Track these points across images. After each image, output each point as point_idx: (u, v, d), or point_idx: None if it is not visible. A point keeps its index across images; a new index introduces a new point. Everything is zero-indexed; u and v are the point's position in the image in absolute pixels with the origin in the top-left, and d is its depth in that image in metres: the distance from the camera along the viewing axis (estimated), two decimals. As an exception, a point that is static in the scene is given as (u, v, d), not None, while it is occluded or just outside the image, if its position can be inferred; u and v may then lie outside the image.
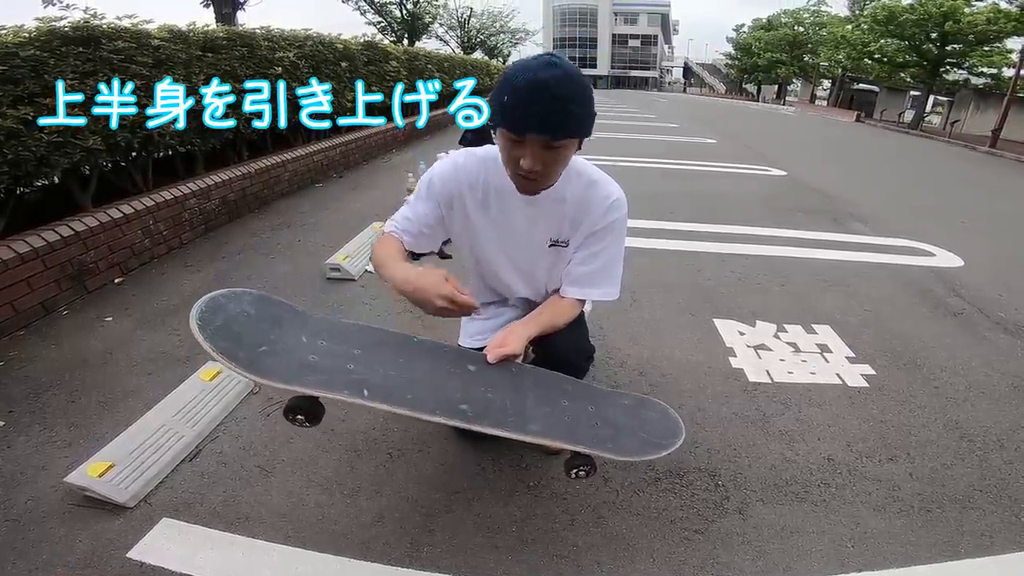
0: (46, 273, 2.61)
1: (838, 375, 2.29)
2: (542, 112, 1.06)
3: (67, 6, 3.32)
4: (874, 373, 2.32)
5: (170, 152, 3.97)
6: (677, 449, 1.23)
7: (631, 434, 1.23)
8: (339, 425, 1.87)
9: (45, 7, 7.79)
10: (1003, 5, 18.40)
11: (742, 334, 2.59)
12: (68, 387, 2.07)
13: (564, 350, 1.46)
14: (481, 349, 1.60)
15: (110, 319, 2.59)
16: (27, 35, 2.73)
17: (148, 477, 1.58)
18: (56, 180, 3.15)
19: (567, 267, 1.41)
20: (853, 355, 2.45)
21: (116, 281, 3.01)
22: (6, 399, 1.98)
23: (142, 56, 3.34)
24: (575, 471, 1.21)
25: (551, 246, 1.39)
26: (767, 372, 2.28)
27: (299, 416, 1.09)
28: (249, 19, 18.83)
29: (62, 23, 2.96)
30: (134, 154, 3.55)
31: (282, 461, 1.70)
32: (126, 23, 3.39)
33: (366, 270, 3.21)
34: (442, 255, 3.19)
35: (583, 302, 1.43)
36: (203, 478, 1.64)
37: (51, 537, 1.42)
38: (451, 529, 1.48)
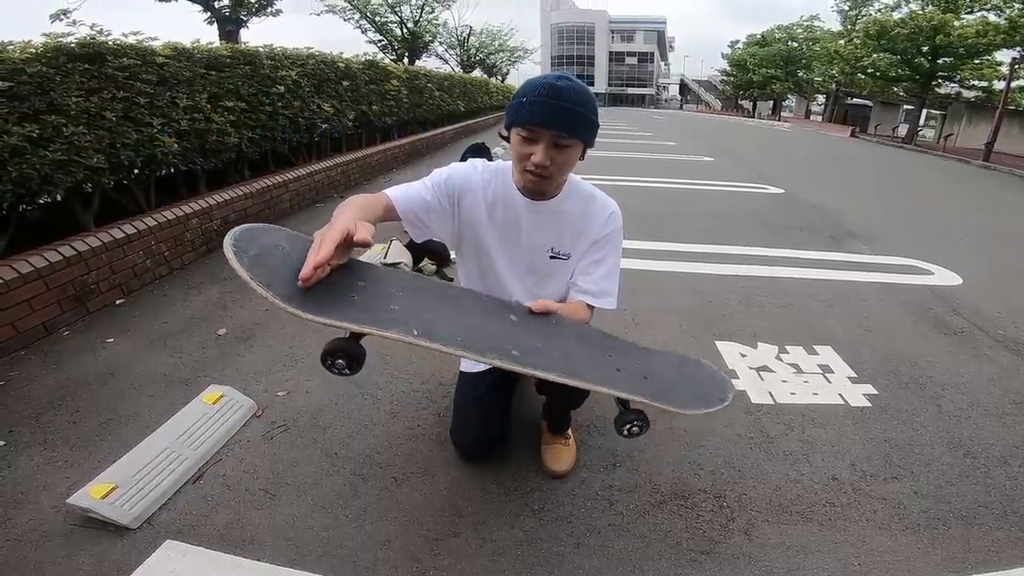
0: (48, 294, 2.61)
1: (840, 395, 2.30)
2: (555, 110, 1.21)
3: (74, 22, 3.36)
4: (876, 393, 2.33)
5: (172, 170, 3.99)
6: (728, 405, 1.25)
7: (682, 388, 1.22)
8: (342, 450, 1.86)
9: (52, 23, 7.91)
10: (992, 18, 18.71)
11: (744, 356, 2.59)
12: (70, 408, 2.06)
13: None
14: (484, 373, 1.62)
15: (112, 340, 2.59)
16: (34, 51, 2.74)
17: (151, 499, 1.58)
18: (59, 198, 3.15)
19: (572, 279, 1.51)
20: (855, 375, 2.46)
21: (117, 302, 3.00)
22: (7, 419, 1.98)
23: (147, 73, 3.37)
24: (628, 427, 1.18)
25: (551, 257, 1.49)
26: (770, 393, 2.29)
27: (339, 360, 0.99)
28: (252, 37, 19.12)
29: (69, 39, 2.98)
30: (136, 171, 3.56)
31: (286, 484, 1.69)
32: (131, 40, 3.42)
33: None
34: (442, 276, 3.22)
35: (592, 309, 1.49)
36: (207, 500, 1.63)
37: (54, 558, 1.42)
38: (457, 553, 1.47)
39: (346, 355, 0.99)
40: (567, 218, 1.45)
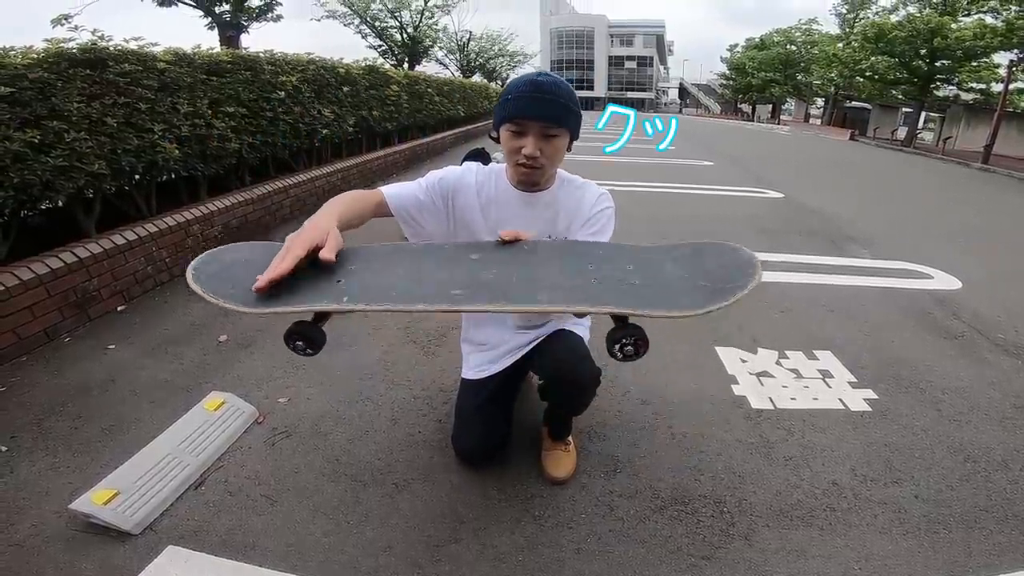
0: (49, 300, 2.62)
1: (841, 400, 2.30)
2: (539, 102, 1.29)
3: (75, 27, 3.37)
4: (876, 397, 2.33)
5: (173, 176, 4.00)
6: (747, 293, 1.00)
7: (686, 286, 1.02)
8: (343, 456, 1.87)
9: (54, 27, 7.95)
10: (989, 20, 18.75)
11: (744, 361, 2.60)
12: (71, 414, 2.07)
13: (571, 364, 1.51)
14: (485, 380, 1.64)
15: (113, 347, 2.60)
16: (35, 56, 2.74)
17: (153, 505, 1.58)
18: (60, 204, 3.16)
19: None
20: (855, 380, 2.46)
21: (119, 309, 3.01)
22: (9, 425, 1.99)
23: (148, 79, 3.38)
24: (618, 346, 1.00)
25: None
26: (770, 399, 2.29)
27: (299, 342, 1.01)
28: (253, 42, 19.17)
29: (70, 44, 2.99)
30: (137, 177, 3.57)
31: (288, 491, 1.70)
32: (132, 45, 3.43)
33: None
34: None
35: None
36: (209, 506, 1.63)
37: (55, 563, 1.42)
38: (458, 559, 1.47)
39: (302, 336, 1.00)
40: (561, 206, 1.50)
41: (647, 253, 1.15)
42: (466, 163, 1.58)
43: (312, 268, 1.02)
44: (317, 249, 1.03)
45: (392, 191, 1.41)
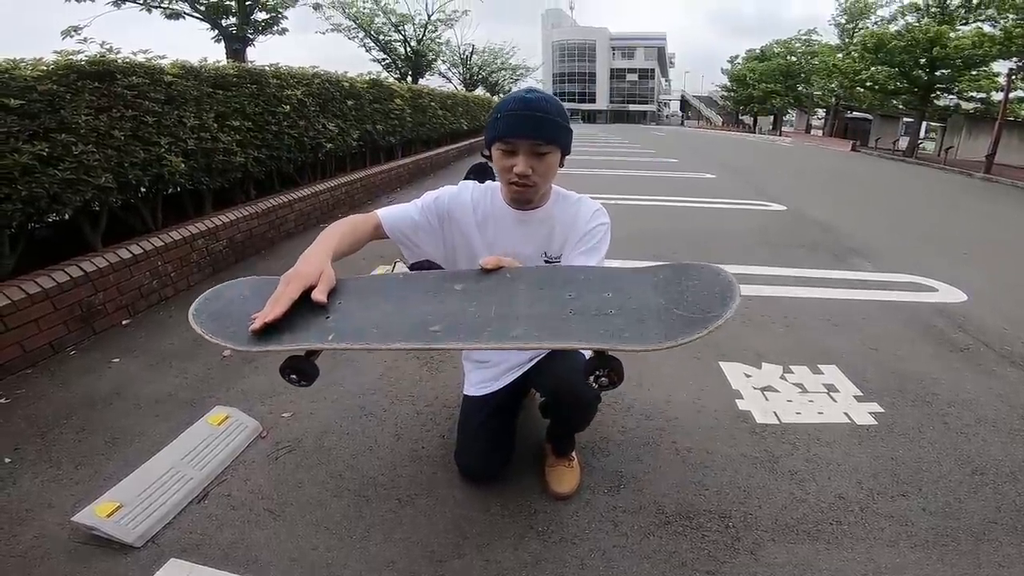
0: (55, 314, 2.64)
1: (846, 414, 2.29)
2: (529, 120, 1.30)
3: (84, 39, 3.41)
4: (882, 411, 2.32)
5: (178, 189, 4.03)
6: (728, 319, 0.97)
7: (662, 317, 0.99)
8: (347, 471, 1.86)
9: (63, 39, 8.05)
10: (987, 29, 18.83)
11: (748, 376, 2.59)
12: (75, 427, 2.07)
13: (571, 382, 1.47)
14: (488, 397, 1.66)
15: (117, 360, 2.61)
16: (45, 68, 2.77)
17: (156, 518, 1.59)
18: (67, 216, 3.19)
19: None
20: (860, 394, 2.45)
21: (124, 323, 3.02)
22: (13, 436, 2.00)
23: (155, 92, 3.41)
24: (592, 378, 0.99)
25: (546, 262, 1.53)
26: (774, 413, 2.28)
27: (292, 375, 1.04)
28: (258, 55, 19.37)
29: (79, 57, 3.02)
30: (143, 191, 3.60)
31: (291, 505, 1.69)
32: (140, 58, 3.47)
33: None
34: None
35: None
36: (211, 520, 1.63)
37: (58, 574, 1.42)
38: (461, 575, 1.46)
39: (295, 370, 1.04)
40: (556, 223, 1.50)
41: (628, 278, 1.13)
42: (463, 181, 1.58)
43: (306, 304, 1.07)
44: (311, 288, 1.08)
45: (388, 214, 1.43)
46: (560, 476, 1.77)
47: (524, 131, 1.30)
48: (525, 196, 1.42)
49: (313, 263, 1.13)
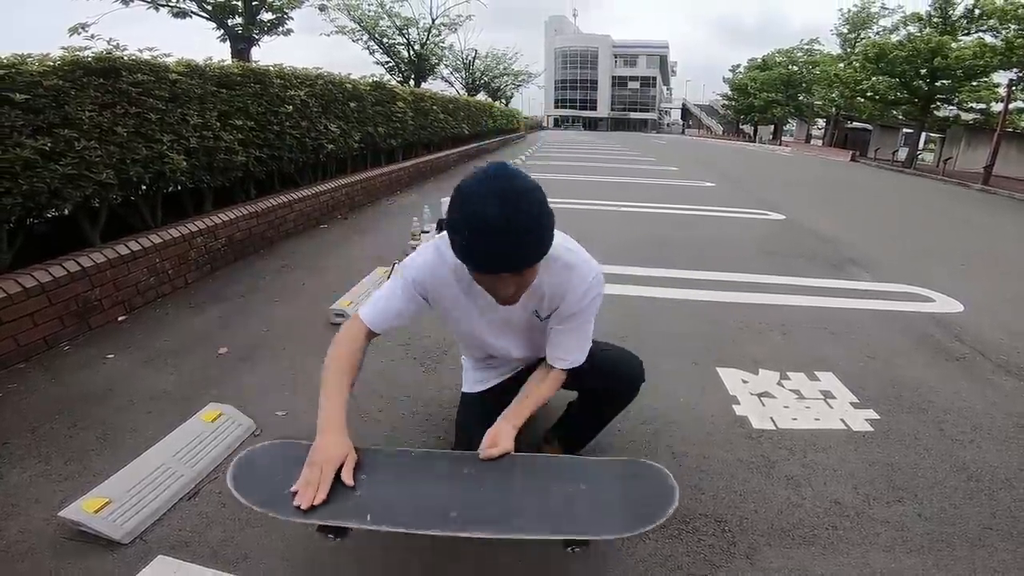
0: (51, 309, 2.63)
1: (842, 420, 2.28)
2: (501, 253, 1.09)
3: (92, 36, 3.41)
4: (878, 417, 2.31)
5: (178, 188, 4.03)
6: (670, 516, 1.20)
7: (623, 509, 1.23)
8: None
9: (70, 36, 8.08)
10: (988, 39, 18.90)
11: (745, 382, 2.58)
12: (67, 422, 2.06)
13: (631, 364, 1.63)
14: (485, 394, 1.62)
15: (112, 356, 2.59)
16: (51, 64, 2.78)
17: (145, 514, 1.57)
18: (66, 212, 3.18)
19: (548, 343, 1.48)
20: (857, 401, 2.44)
21: (119, 319, 3.01)
22: (3, 431, 1.98)
23: (159, 90, 3.42)
24: (570, 548, 1.21)
25: (538, 318, 1.46)
26: (771, 419, 2.27)
27: (330, 535, 1.19)
28: (263, 55, 19.39)
29: (86, 53, 3.03)
30: (144, 188, 3.60)
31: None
32: (146, 56, 3.48)
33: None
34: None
35: (565, 372, 1.49)
36: (201, 517, 1.62)
37: (41, 570, 1.41)
38: (459, 567, 1.45)
39: (331, 530, 1.18)
40: (545, 288, 1.37)
41: (595, 470, 1.35)
42: (437, 245, 1.38)
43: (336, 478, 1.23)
44: (340, 466, 1.21)
45: (372, 316, 1.40)
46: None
47: (500, 267, 1.12)
48: (510, 303, 1.28)
49: (339, 445, 1.24)
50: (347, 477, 1.20)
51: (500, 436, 1.34)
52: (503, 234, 1.05)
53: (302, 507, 1.13)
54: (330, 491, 1.18)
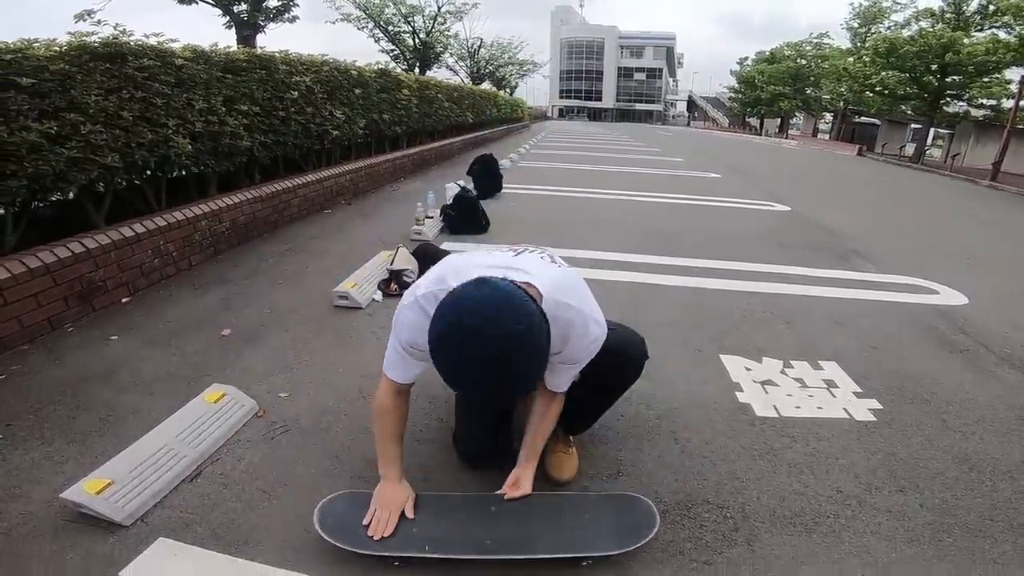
0: (55, 289, 2.63)
1: (845, 409, 2.27)
2: (487, 391, 1.14)
3: (98, 22, 3.40)
4: (881, 407, 2.31)
5: (183, 172, 4.02)
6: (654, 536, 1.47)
7: (617, 532, 1.50)
8: (343, 452, 1.86)
9: (76, 22, 8.04)
10: (1002, 35, 18.67)
11: (749, 370, 2.57)
12: (70, 403, 2.06)
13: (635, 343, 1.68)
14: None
15: (115, 338, 2.60)
16: (58, 49, 2.77)
17: (147, 496, 1.57)
18: (71, 196, 3.18)
19: (547, 375, 1.49)
20: (860, 390, 2.44)
21: (123, 301, 3.02)
22: (6, 413, 1.98)
23: (165, 75, 3.41)
24: (585, 562, 1.45)
25: None
26: (774, 407, 2.27)
27: (395, 562, 1.43)
28: (268, 42, 19.23)
29: (92, 38, 3.02)
30: (149, 172, 3.59)
31: (285, 485, 1.68)
32: (152, 41, 3.46)
33: (373, 299, 3.20)
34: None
35: (563, 396, 1.57)
36: (203, 499, 1.62)
37: (41, 552, 1.41)
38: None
39: (395, 556, 1.44)
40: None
41: (593, 503, 1.65)
42: (420, 300, 1.36)
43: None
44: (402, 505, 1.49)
45: (395, 370, 1.48)
46: (559, 462, 1.76)
47: (490, 400, 1.21)
48: None
49: (401, 491, 1.52)
50: (410, 512, 1.49)
51: (522, 480, 1.56)
52: (486, 372, 1.05)
53: (375, 538, 1.41)
54: (396, 527, 1.46)
